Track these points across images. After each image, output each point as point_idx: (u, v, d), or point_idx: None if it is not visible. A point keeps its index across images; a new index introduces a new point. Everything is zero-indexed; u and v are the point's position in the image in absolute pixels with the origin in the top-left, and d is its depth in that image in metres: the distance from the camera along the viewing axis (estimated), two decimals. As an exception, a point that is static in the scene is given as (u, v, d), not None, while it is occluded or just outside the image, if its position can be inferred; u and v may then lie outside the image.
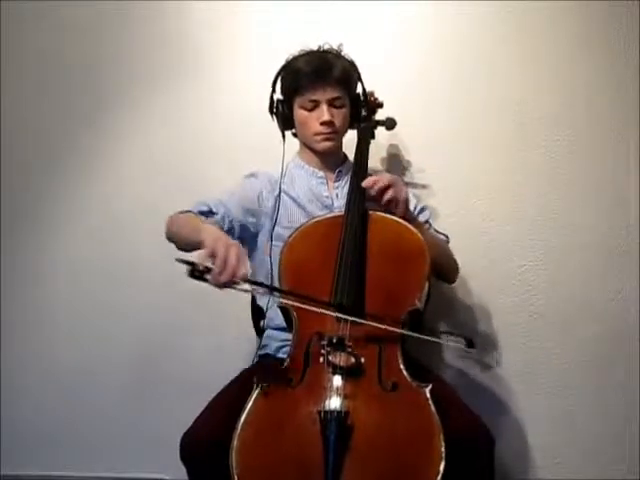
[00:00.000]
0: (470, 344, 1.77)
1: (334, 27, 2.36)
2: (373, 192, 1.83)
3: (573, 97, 2.35)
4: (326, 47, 2.01)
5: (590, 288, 2.34)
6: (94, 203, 2.48)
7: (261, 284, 1.77)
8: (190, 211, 1.93)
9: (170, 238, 1.91)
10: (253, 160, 2.18)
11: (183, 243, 1.84)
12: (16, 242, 2.49)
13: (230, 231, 1.93)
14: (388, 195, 1.82)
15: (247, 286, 1.64)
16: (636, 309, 2.32)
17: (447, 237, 2.10)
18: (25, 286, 2.50)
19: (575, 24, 2.35)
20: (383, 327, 1.68)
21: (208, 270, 1.57)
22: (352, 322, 1.69)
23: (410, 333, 1.71)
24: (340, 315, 1.68)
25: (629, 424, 2.31)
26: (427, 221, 2.07)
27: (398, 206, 1.84)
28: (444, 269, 2.02)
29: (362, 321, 1.68)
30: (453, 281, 2.12)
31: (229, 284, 1.59)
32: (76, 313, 2.48)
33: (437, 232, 2.08)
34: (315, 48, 2.00)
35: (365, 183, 1.84)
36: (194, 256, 1.64)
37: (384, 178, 1.85)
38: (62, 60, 2.48)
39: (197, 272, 1.57)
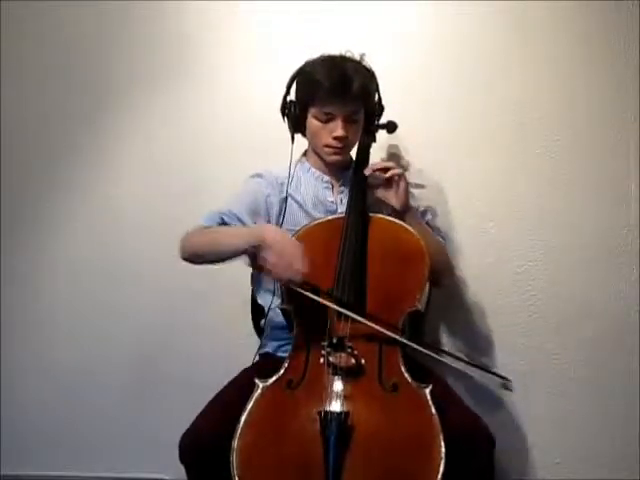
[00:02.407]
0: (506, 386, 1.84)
1: (334, 27, 2.36)
2: (368, 172, 1.91)
3: (573, 97, 2.35)
4: (347, 55, 1.95)
5: (590, 288, 2.34)
6: (94, 203, 2.48)
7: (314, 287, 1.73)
8: (208, 226, 1.89)
9: (197, 252, 1.86)
10: (253, 160, 2.18)
11: (225, 252, 1.82)
12: (16, 242, 2.49)
13: None
14: (388, 174, 1.88)
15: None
16: (636, 309, 2.32)
17: (444, 239, 2.10)
18: (25, 286, 2.50)
19: (575, 24, 2.35)
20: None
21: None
22: (352, 323, 1.69)
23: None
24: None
25: (629, 424, 2.31)
26: (427, 222, 2.07)
27: (398, 188, 1.89)
28: (435, 271, 2.00)
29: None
30: (445, 284, 2.11)
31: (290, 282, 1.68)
32: (76, 313, 2.48)
33: (436, 233, 2.08)
34: (335, 54, 1.95)
35: (367, 170, 1.91)
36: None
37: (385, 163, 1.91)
38: (62, 60, 2.48)
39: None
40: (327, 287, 1.75)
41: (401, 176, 1.90)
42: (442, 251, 2.05)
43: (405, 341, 1.71)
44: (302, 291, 1.69)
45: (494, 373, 1.94)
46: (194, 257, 1.87)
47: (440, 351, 1.96)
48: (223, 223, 1.92)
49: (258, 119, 2.36)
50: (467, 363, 1.96)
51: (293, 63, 1.99)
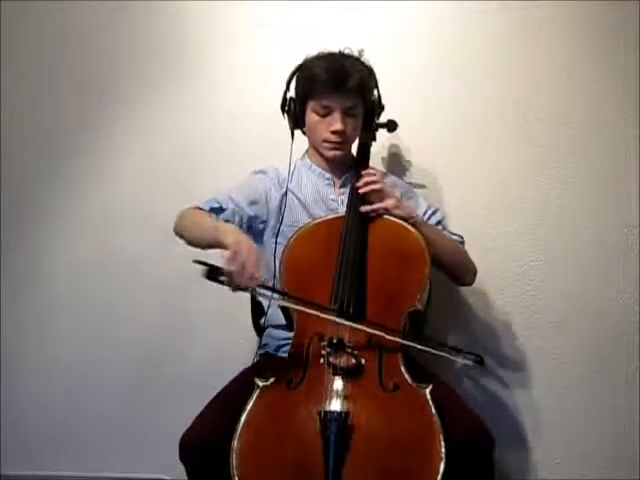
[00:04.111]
0: (480, 361, 1.81)
1: (333, 27, 2.36)
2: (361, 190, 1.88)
3: (573, 97, 2.35)
4: (346, 51, 1.96)
5: (590, 288, 2.34)
6: (94, 203, 2.48)
7: (273, 289, 1.74)
8: (201, 208, 1.91)
9: (180, 233, 1.89)
10: (253, 160, 2.18)
11: (196, 240, 1.82)
12: (16, 242, 2.49)
13: (239, 226, 1.93)
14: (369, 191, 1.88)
15: (261, 291, 1.67)
16: (636, 309, 2.32)
17: (462, 237, 2.09)
18: (25, 286, 2.50)
19: (575, 24, 2.35)
20: (381, 334, 1.68)
21: (223, 273, 1.60)
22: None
23: (412, 344, 1.72)
24: (338, 320, 1.69)
25: (629, 424, 2.31)
26: (440, 222, 2.07)
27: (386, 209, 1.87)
28: (456, 270, 2.02)
29: (361, 327, 1.69)
30: (469, 283, 2.10)
31: (244, 288, 1.61)
32: (76, 313, 2.48)
33: (452, 233, 2.07)
34: (335, 51, 1.96)
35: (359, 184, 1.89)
36: (207, 255, 1.68)
37: (378, 181, 1.88)
38: (62, 60, 2.47)
39: (214, 274, 1.59)
40: (327, 287, 1.75)
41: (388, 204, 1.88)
42: (460, 250, 2.04)
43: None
44: (259, 296, 1.70)
45: (463, 352, 1.84)
46: (179, 236, 1.89)
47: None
48: (219, 208, 1.92)
49: (258, 118, 2.36)
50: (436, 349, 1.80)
51: (292, 62, 1.99)
